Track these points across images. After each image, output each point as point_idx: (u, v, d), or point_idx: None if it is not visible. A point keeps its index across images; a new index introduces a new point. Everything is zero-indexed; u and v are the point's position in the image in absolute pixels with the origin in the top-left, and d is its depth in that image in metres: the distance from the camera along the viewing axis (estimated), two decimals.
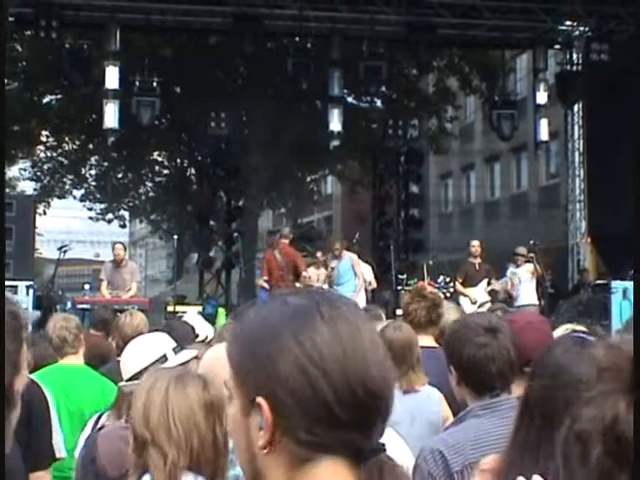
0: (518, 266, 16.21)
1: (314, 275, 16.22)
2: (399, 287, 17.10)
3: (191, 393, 2.86)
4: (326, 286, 16.06)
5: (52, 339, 6.27)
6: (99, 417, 5.33)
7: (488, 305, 14.85)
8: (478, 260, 16.33)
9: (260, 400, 1.42)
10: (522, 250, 16.39)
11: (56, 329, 6.32)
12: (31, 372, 6.11)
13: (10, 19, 17.96)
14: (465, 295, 15.94)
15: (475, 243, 16.52)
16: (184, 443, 2.79)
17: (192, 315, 7.51)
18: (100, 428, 4.37)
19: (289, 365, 1.40)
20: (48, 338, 6.34)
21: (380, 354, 1.45)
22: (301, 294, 1.51)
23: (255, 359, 1.45)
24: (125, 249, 16.85)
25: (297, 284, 15.69)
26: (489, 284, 16.11)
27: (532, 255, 16.34)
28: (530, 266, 16.08)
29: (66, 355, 6.21)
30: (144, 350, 4.14)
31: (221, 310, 15.30)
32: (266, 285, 15.89)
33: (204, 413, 2.84)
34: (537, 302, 15.90)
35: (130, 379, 4.05)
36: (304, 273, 15.69)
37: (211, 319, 13.34)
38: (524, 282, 16.08)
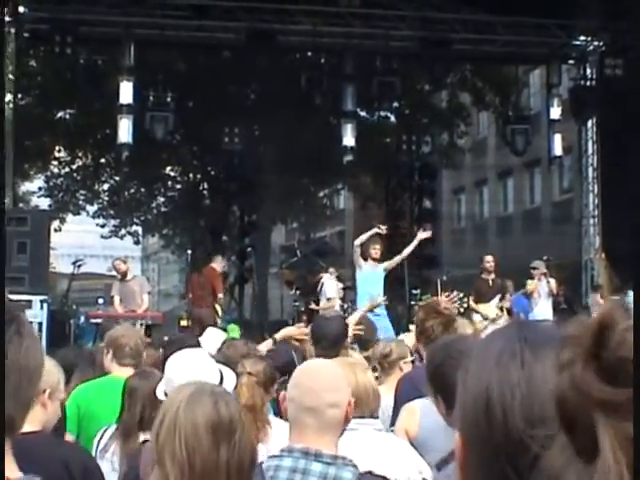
0: (537, 280, 16.21)
1: (330, 286, 16.24)
2: (412, 302, 17.09)
3: (199, 412, 2.71)
4: (338, 300, 16.06)
5: (124, 348, 6.23)
6: (104, 431, 5.30)
7: (502, 320, 14.87)
8: (492, 276, 16.30)
9: (456, 434, 1.44)
10: (538, 264, 16.40)
11: (134, 339, 6.31)
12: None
13: (25, 35, 18.06)
14: (477, 312, 15.94)
15: (489, 259, 16.48)
16: (187, 465, 2.63)
17: (211, 331, 7.50)
18: (142, 443, 4.32)
19: (478, 410, 1.38)
20: (116, 345, 6.32)
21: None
22: (509, 330, 1.48)
23: (458, 393, 1.45)
24: (125, 262, 16.86)
25: (216, 304, 16.90)
26: (502, 300, 16.10)
27: (545, 271, 16.37)
28: (548, 280, 16.11)
29: (125, 366, 6.16)
30: (206, 371, 4.06)
31: (232, 326, 15.27)
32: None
33: (210, 434, 2.67)
34: (552, 318, 15.89)
35: None
36: (220, 295, 17.09)
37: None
38: (542, 297, 16.12)
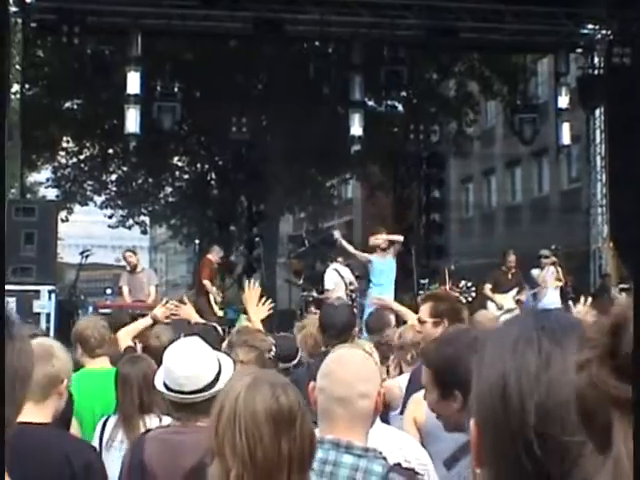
0: (543, 269, 16.35)
1: (330, 278, 16.17)
2: (420, 292, 17.06)
3: (259, 402, 2.66)
4: (340, 292, 15.98)
5: (89, 339, 6.25)
6: (105, 421, 5.31)
7: (517, 312, 14.91)
8: (512, 270, 16.49)
9: (472, 422, 1.46)
10: (546, 252, 16.51)
11: (97, 328, 6.32)
12: None
13: (32, 25, 18.06)
14: (492, 300, 16.02)
15: (512, 258, 16.69)
16: (248, 456, 2.59)
17: None
18: (145, 433, 4.33)
19: (495, 397, 1.40)
20: (82, 338, 6.32)
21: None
22: (526, 319, 1.49)
23: (474, 381, 1.47)
24: (135, 254, 17.03)
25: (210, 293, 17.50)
26: (518, 293, 16.21)
27: (555, 259, 16.45)
28: (554, 269, 16.21)
29: (97, 357, 6.21)
30: (206, 360, 4.06)
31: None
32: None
33: (270, 424, 2.63)
34: (560, 306, 15.91)
35: (199, 391, 3.97)
36: (205, 281, 17.48)
37: (233, 324, 13.36)
38: (549, 285, 16.21)
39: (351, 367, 3.27)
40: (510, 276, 16.52)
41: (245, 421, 2.63)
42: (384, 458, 3.14)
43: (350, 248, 15.58)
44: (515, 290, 16.32)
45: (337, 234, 16.04)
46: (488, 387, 1.41)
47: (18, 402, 1.66)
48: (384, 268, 14.83)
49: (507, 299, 16.14)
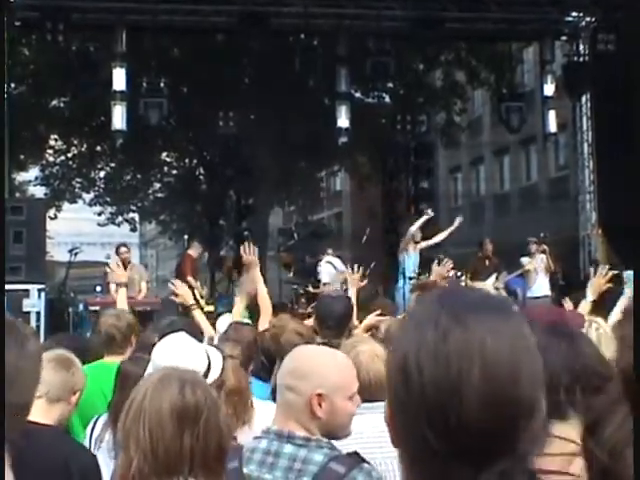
0: (532, 256, 16.44)
1: (326, 271, 16.21)
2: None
3: (165, 398, 2.72)
4: (336, 285, 16.05)
5: (101, 333, 6.30)
6: (96, 420, 5.27)
7: None
8: (489, 258, 16.77)
9: (385, 403, 1.50)
10: (534, 239, 16.67)
11: (106, 325, 6.33)
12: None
13: (16, 23, 17.99)
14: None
15: (489, 247, 17.00)
16: (150, 450, 2.65)
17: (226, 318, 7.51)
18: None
19: (397, 375, 1.43)
20: (97, 331, 6.39)
21: (497, 377, 1.37)
22: (429, 299, 1.52)
23: (386, 362, 1.52)
24: (129, 252, 17.05)
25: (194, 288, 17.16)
26: (497, 279, 16.35)
27: (545, 247, 16.52)
28: (544, 257, 16.30)
29: (112, 353, 6.22)
30: (195, 355, 4.06)
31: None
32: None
33: (174, 420, 2.69)
34: (550, 293, 16.02)
35: None
36: (189, 277, 17.11)
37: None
38: (539, 273, 16.29)
39: (293, 359, 3.32)
40: (487, 263, 16.80)
41: (150, 417, 2.70)
42: (331, 448, 3.12)
43: (417, 226, 16.34)
44: (494, 276, 16.48)
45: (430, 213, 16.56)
46: (394, 366, 1.44)
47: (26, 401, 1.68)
48: (414, 260, 15.40)
49: (487, 286, 16.26)
